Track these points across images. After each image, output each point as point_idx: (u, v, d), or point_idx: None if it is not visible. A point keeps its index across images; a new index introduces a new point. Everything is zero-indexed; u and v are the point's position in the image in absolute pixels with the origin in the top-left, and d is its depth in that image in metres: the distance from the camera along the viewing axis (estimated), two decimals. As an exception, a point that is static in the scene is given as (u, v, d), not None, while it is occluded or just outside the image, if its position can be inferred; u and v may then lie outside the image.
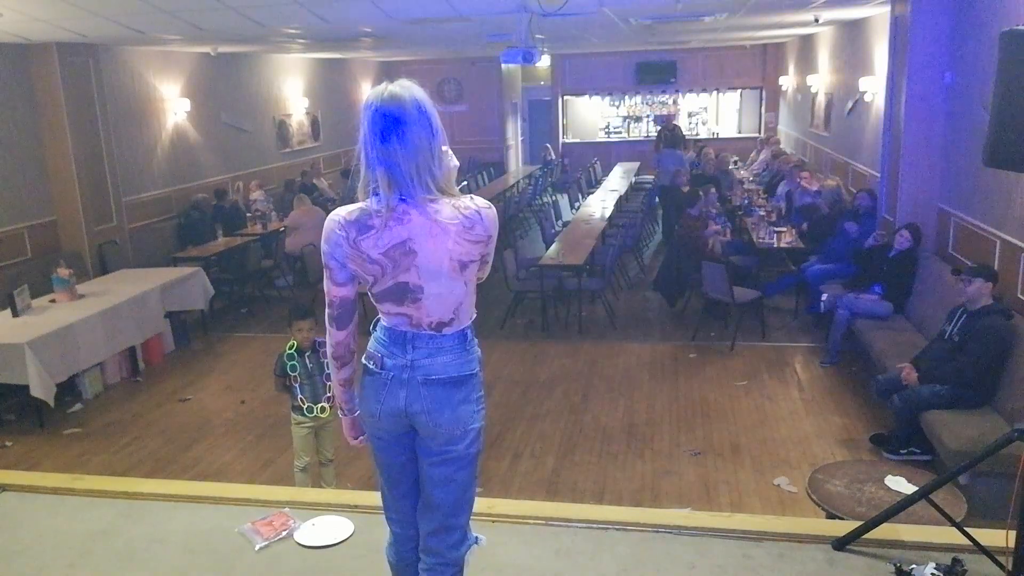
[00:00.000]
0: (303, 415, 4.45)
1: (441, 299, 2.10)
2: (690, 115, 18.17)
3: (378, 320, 2.23)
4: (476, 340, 2.25)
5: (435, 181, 2.04)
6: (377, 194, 2.05)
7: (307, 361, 4.43)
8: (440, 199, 2.06)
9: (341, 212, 2.10)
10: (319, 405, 4.44)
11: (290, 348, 4.44)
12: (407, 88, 2.02)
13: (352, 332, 2.25)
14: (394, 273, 2.07)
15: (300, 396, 4.42)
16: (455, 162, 2.17)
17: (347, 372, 2.30)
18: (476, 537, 2.38)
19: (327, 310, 2.21)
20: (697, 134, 17.44)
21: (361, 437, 2.40)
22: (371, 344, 2.23)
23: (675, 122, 15.29)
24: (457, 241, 2.05)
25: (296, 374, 4.42)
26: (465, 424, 2.18)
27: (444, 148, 2.09)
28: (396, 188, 2.02)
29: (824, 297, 7.06)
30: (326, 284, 2.17)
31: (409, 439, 2.25)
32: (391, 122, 1.98)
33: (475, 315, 2.23)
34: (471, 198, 2.12)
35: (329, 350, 2.26)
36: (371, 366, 2.20)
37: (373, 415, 2.22)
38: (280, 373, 4.46)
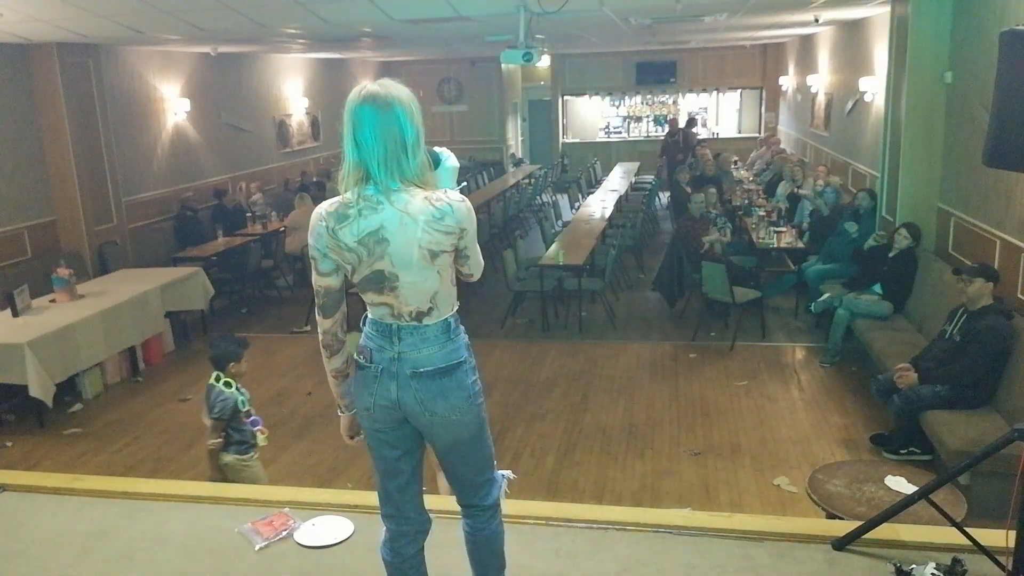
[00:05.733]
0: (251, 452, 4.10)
1: (416, 287, 2.18)
2: (689, 115, 18.13)
3: (366, 316, 2.31)
4: (462, 329, 2.32)
5: (404, 173, 2.12)
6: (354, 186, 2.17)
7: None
8: (412, 190, 2.13)
9: (324, 205, 2.21)
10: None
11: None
12: (384, 86, 2.12)
13: (339, 321, 2.32)
14: (370, 261, 2.16)
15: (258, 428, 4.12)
16: (453, 162, 2.29)
17: (337, 361, 2.35)
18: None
19: (315, 299, 2.30)
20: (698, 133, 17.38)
21: (357, 437, 2.45)
22: (361, 339, 2.31)
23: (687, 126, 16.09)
24: (426, 230, 2.13)
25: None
26: (462, 411, 2.27)
27: (438, 147, 2.21)
28: (368, 179, 2.13)
29: (822, 298, 7.06)
30: (312, 275, 2.27)
31: (406, 430, 2.32)
32: (364, 117, 2.09)
33: (457, 306, 2.31)
34: (445, 192, 2.20)
35: (321, 338, 2.33)
36: (361, 360, 2.29)
37: (367, 408, 2.29)
38: (228, 415, 3.96)
